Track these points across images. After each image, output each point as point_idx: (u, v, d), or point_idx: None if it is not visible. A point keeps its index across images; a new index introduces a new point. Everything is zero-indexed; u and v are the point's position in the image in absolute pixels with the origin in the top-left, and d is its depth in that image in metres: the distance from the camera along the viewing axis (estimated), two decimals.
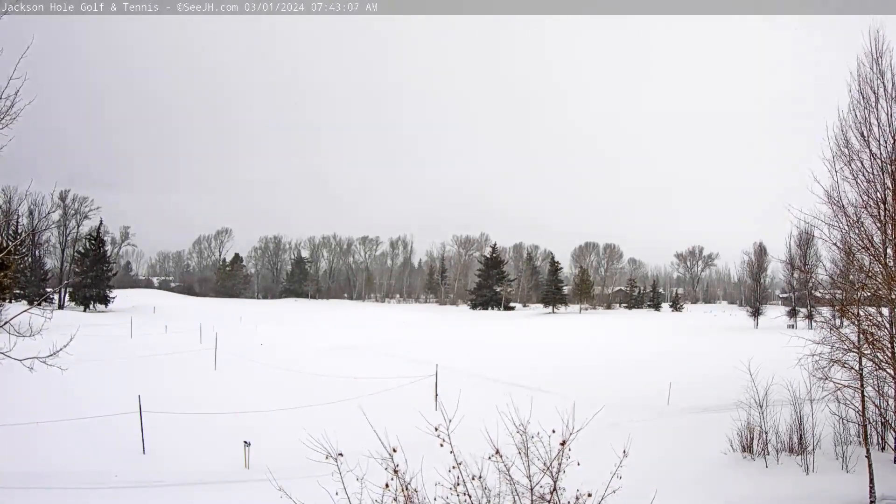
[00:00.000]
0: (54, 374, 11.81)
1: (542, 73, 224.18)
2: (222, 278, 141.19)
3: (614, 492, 5.81)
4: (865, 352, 11.61)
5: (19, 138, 8.65)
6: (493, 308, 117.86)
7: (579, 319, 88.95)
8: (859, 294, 12.33)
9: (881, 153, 11.49)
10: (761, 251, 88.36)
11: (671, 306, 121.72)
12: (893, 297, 11.10)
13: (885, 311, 11.81)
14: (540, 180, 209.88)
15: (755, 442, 14.32)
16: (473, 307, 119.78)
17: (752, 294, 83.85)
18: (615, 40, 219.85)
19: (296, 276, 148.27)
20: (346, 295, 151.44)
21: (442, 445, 5.60)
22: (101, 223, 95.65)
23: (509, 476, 5.70)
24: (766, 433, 14.16)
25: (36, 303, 14.12)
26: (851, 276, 12.93)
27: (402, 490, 5.54)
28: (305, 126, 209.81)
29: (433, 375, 25.14)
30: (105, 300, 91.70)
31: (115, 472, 15.64)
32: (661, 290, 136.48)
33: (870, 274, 12.01)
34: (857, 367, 11.68)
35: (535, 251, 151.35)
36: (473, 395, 21.99)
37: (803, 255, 61.55)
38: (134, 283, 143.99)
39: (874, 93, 11.61)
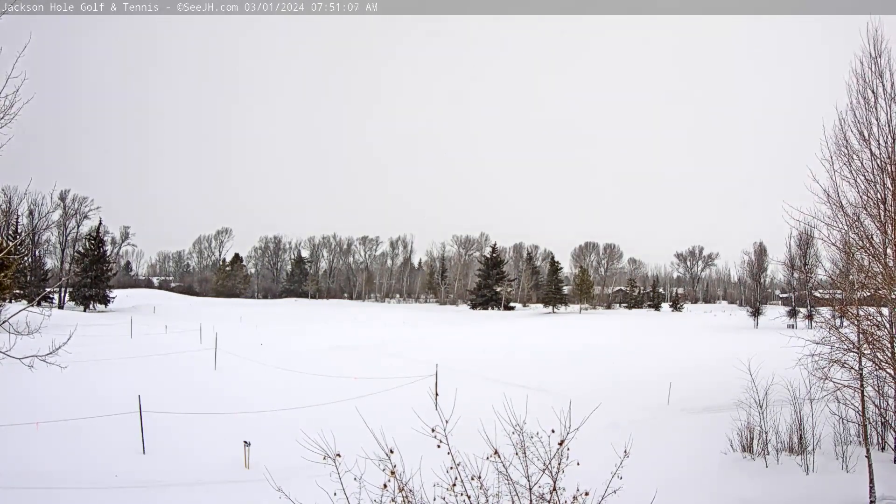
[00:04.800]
0: (54, 373, 11.82)
1: (541, 72, 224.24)
2: (222, 278, 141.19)
3: (615, 492, 5.80)
4: (865, 352, 11.60)
5: (19, 137, 8.66)
6: (493, 308, 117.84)
7: (579, 319, 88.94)
8: (859, 294, 12.32)
9: (881, 153, 11.48)
10: (761, 251, 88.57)
11: (671, 306, 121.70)
12: (893, 297, 11.09)
13: (885, 311, 11.80)
14: (540, 180, 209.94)
15: (755, 442, 14.31)
16: (473, 307, 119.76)
17: (752, 294, 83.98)
18: (615, 39, 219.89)
19: (296, 276, 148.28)
20: (346, 295, 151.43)
21: (439, 446, 5.60)
22: (100, 223, 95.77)
23: (508, 476, 5.69)
24: (766, 433, 14.15)
25: (35, 302, 14.12)
26: (851, 276, 12.92)
27: (400, 490, 5.54)
28: (305, 125, 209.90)
29: (433, 375, 25.13)
30: (105, 300, 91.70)
31: (115, 472, 15.63)
32: (661, 290, 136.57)
33: (870, 274, 12.00)
34: (857, 367, 11.67)
35: (535, 251, 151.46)
36: (472, 394, 21.99)
37: (803, 256, 61.65)
38: (134, 283, 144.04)
39: (873, 93, 11.59)
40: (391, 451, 5.56)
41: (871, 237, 11.59)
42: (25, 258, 75.43)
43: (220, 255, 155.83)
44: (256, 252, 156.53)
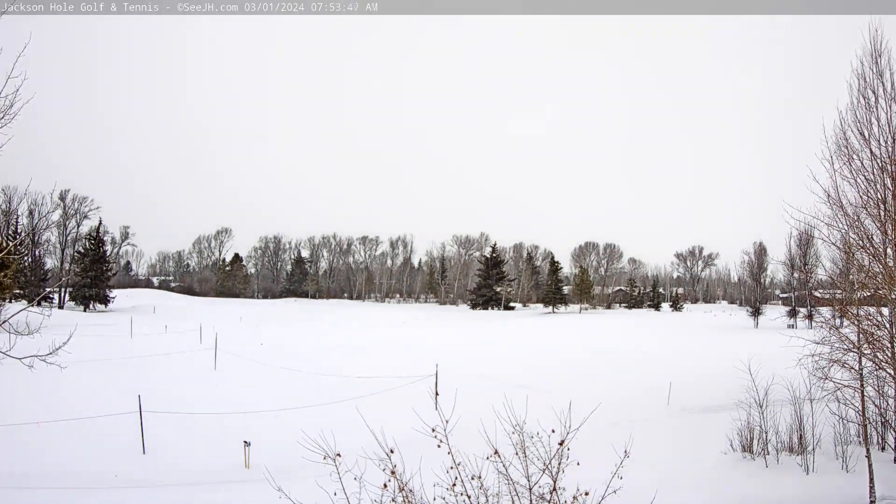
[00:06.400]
0: (54, 373, 11.82)
1: (542, 71, 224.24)
2: (222, 278, 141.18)
3: (615, 492, 5.80)
4: (865, 352, 11.60)
5: (19, 137, 8.66)
6: (493, 308, 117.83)
7: (579, 319, 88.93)
8: (859, 294, 12.32)
9: (881, 153, 11.48)
10: (761, 251, 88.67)
11: (671, 306, 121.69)
12: (893, 296, 11.09)
13: (885, 311, 11.80)
14: (541, 180, 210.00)
15: (755, 442, 14.30)
16: (473, 307, 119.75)
17: (752, 294, 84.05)
18: (617, 39, 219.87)
19: (296, 275, 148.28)
20: (346, 295, 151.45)
21: (440, 446, 5.60)
22: (100, 223, 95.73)
23: (508, 476, 5.69)
24: (766, 433, 14.15)
25: (35, 302, 14.13)
26: (851, 276, 12.92)
27: (400, 490, 5.54)
28: (305, 125, 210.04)
29: (433, 375, 25.14)
30: (105, 300, 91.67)
31: (115, 472, 15.63)
32: (661, 290, 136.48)
33: (870, 274, 12.00)
34: (857, 367, 11.67)
35: (535, 251, 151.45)
36: (473, 394, 22.01)
37: (803, 255, 61.72)
38: (134, 283, 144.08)
39: (874, 93, 11.60)
40: (391, 451, 5.56)
41: (872, 237, 11.59)
42: (25, 258, 75.43)
43: (220, 255, 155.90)
44: (256, 252, 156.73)
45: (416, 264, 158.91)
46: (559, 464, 5.70)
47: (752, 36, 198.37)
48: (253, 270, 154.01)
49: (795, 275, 66.31)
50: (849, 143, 11.88)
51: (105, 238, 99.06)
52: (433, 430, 5.66)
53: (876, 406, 13.45)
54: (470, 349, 44.74)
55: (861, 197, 11.65)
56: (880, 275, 11.49)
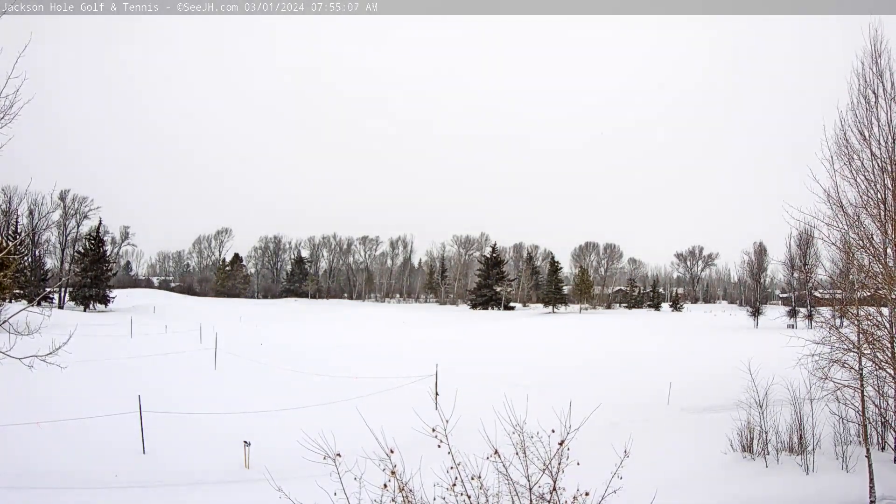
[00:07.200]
0: (54, 373, 11.82)
1: (542, 72, 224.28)
2: (222, 278, 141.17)
3: (615, 492, 5.80)
4: (865, 352, 11.61)
5: (19, 137, 8.67)
6: (492, 308, 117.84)
7: (579, 319, 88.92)
8: (859, 294, 12.33)
9: (881, 153, 11.48)
10: (761, 251, 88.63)
11: (671, 306, 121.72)
12: (893, 296, 11.09)
13: (885, 310, 11.81)
14: (540, 180, 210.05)
15: (755, 442, 14.32)
16: (473, 307, 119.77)
17: (752, 294, 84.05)
18: (615, 40, 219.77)
19: (296, 275, 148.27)
20: (346, 295, 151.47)
21: (440, 446, 5.60)
22: (100, 223, 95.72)
23: (508, 476, 5.69)
24: (766, 433, 14.15)
25: (35, 302, 14.13)
26: (851, 276, 12.93)
27: (400, 490, 5.54)
28: (305, 125, 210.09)
29: (433, 375, 25.14)
30: (105, 300, 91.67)
31: (115, 472, 15.63)
32: (661, 290, 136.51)
33: (870, 274, 12.01)
34: (857, 367, 11.68)
35: (535, 251, 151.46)
36: (473, 394, 22.01)
37: (803, 255, 61.72)
38: (134, 283, 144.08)
39: (874, 93, 11.61)
40: (391, 451, 5.57)
41: (872, 237, 11.60)
42: (25, 258, 75.43)
43: (220, 255, 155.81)
44: (256, 252, 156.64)
45: (416, 264, 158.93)
46: (559, 464, 5.70)
47: (752, 36, 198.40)
48: (253, 270, 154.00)
49: (795, 275, 66.29)
50: (849, 143, 11.90)
51: (105, 238, 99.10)
52: (433, 430, 5.66)
53: (876, 406, 13.45)
54: (470, 349, 44.73)
55: (861, 197, 11.67)
56: (880, 275, 11.50)
